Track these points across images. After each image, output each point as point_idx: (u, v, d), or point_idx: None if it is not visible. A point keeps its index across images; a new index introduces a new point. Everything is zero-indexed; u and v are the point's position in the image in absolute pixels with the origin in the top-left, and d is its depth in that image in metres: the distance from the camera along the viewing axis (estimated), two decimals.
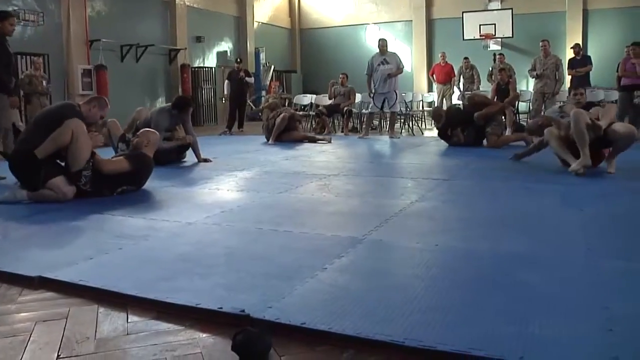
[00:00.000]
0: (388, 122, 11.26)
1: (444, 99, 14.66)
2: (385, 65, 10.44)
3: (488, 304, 2.36)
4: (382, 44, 10.64)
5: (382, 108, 10.77)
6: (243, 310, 2.27)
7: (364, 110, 13.45)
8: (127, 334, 2.20)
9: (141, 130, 5.74)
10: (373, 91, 10.62)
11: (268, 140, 10.05)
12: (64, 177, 4.75)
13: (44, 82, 9.76)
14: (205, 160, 7.25)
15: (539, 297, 2.43)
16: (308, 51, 20.94)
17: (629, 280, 2.65)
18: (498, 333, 2.06)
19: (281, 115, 9.97)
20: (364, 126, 11.53)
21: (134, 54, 14.15)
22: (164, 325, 2.27)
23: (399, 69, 10.64)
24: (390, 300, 2.40)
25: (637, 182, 5.41)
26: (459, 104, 10.16)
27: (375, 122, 13.46)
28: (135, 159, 5.18)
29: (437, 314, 2.26)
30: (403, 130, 11.91)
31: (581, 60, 11.74)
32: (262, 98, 15.34)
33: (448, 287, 2.62)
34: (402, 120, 11.87)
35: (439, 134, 9.37)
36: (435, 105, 14.71)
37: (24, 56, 11.21)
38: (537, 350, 1.93)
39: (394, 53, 10.90)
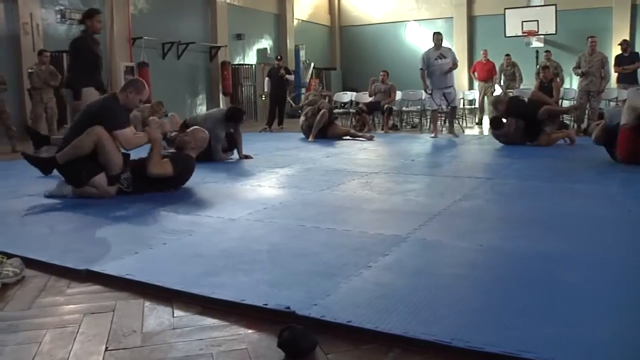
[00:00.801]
0: (448, 120, 10.94)
1: (485, 97, 14.46)
2: (443, 60, 10.07)
3: (534, 305, 2.31)
4: (438, 38, 10.26)
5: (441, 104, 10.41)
6: (288, 307, 2.26)
7: (404, 108, 13.36)
8: (173, 328, 2.21)
9: (191, 129, 5.61)
10: (430, 87, 10.27)
11: (307, 137, 10.05)
12: (103, 176, 4.75)
13: None
14: (246, 157, 7.29)
15: (585, 299, 2.37)
16: (348, 48, 20.91)
17: None
18: (545, 335, 2.01)
19: (321, 112, 9.95)
20: (431, 126, 11.18)
21: (175, 51, 14.32)
22: (209, 321, 2.28)
23: (455, 63, 10.34)
24: (436, 299, 2.38)
25: None
26: (523, 97, 9.92)
27: (416, 120, 13.36)
28: (179, 163, 5.04)
29: (483, 314, 2.23)
30: (444, 129, 11.77)
31: (629, 57, 11.45)
32: (302, 95, 15.35)
33: (493, 287, 2.58)
34: (443, 119, 11.72)
35: (491, 122, 9.26)
36: (477, 103, 14.55)
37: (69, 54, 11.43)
38: (585, 352, 1.89)
39: (449, 48, 10.64)
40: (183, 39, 14.30)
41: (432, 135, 10.57)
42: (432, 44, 10.36)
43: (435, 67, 10.11)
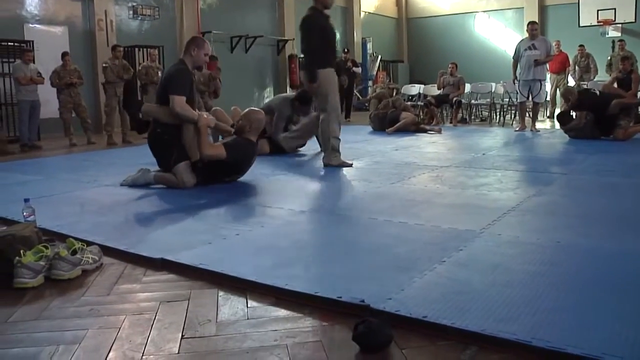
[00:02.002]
0: (531, 114, 10.55)
1: (558, 90, 14.04)
2: (533, 51, 9.71)
3: (616, 307, 2.21)
4: (532, 27, 9.91)
5: (528, 97, 10.06)
6: (363, 301, 2.24)
7: (473, 101, 13.13)
8: (248, 318, 2.23)
9: (245, 111, 5.47)
10: (518, 78, 9.99)
11: (375, 129, 10.01)
12: (188, 163, 4.85)
13: (159, 73, 10.15)
14: None
15: None
16: (415, 41, 20.68)
17: None
18: (631, 338, 1.93)
19: (410, 118, 10.00)
20: (517, 118, 10.94)
21: (243, 44, 14.50)
22: (283, 312, 2.28)
23: (549, 55, 9.95)
24: (513, 297, 2.31)
25: None
26: (595, 90, 9.57)
27: (485, 114, 13.11)
28: (234, 148, 4.99)
29: (563, 314, 2.15)
30: (514, 122, 11.49)
31: None
32: (369, 88, 15.29)
33: (572, 286, 2.49)
34: (514, 112, 11.45)
35: (558, 118, 9.01)
36: (549, 96, 14.14)
37: (140, 48, 11.76)
38: None
39: (545, 38, 10.32)
40: (251, 32, 14.46)
41: (517, 128, 10.28)
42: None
43: (524, 58, 9.80)
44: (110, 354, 1.96)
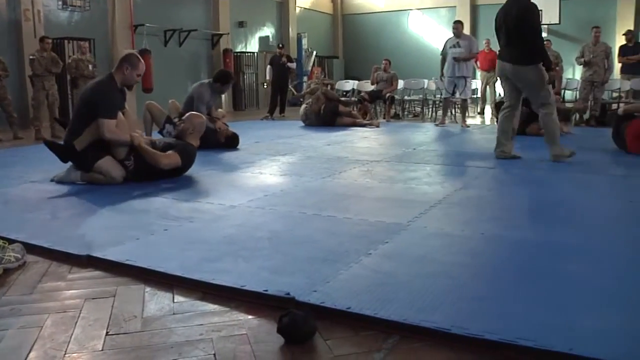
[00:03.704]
0: (460, 110, 10.90)
1: (488, 87, 14.43)
2: (457, 49, 10.07)
3: (535, 294, 2.32)
4: (456, 26, 10.24)
5: (454, 93, 10.42)
6: (288, 293, 2.27)
7: (406, 97, 13.36)
8: (174, 313, 2.22)
9: (186, 115, 5.64)
10: (444, 74, 10.33)
11: (310, 125, 10.15)
12: (111, 158, 4.78)
13: (90, 66, 9.91)
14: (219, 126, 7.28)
15: (586, 288, 2.38)
16: (350, 37, 20.85)
17: None
18: (546, 323, 2.02)
19: (315, 95, 10.23)
20: (440, 113, 11.25)
21: (177, 38, 14.29)
22: (210, 306, 2.29)
23: (471, 53, 10.27)
24: (435, 287, 2.38)
25: None
26: None
27: (418, 109, 13.34)
28: (185, 153, 5.07)
29: (484, 302, 2.23)
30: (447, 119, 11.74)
31: (633, 47, 11.38)
32: (304, 84, 15.33)
33: (494, 276, 2.59)
34: (456, 107, 11.73)
35: (497, 104, 9.45)
36: (479, 92, 14.51)
37: (70, 41, 11.42)
38: (585, 341, 1.89)
39: (470, 36, 10.61)
40: (185, 26, 14.27)
41: (437, 123, 10.65)
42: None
43: (449, 55, 10.16)
44: (31, 353, 1.92)
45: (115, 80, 4.84)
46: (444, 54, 10.31)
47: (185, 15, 14.51)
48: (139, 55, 5.09)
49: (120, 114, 4.85)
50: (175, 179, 4.99)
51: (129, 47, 12.81)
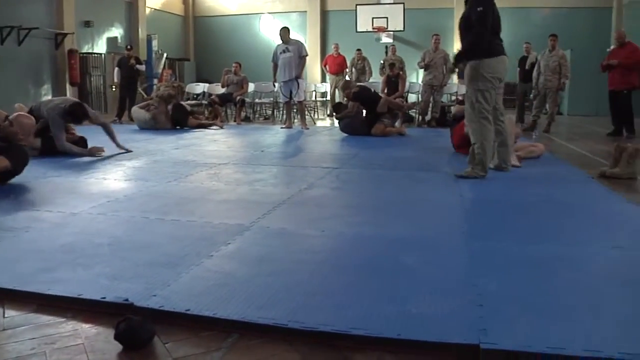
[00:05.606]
0: (299, 113, 11.16)
1: (337, 90, 14.89)
2: (287, 53, 10.38)
3: (370, 286, 2.46)
4: (282, 33, 10.59)
5: (291, 97, 10.68)
6: (127, 300, 2.25)
7: (257, 100, 13.49)
8: (3, 329, 2.12)
9: (13, 116, 5.32)
10: (277, 80, 10.69)
11: (153, 129, 10.17)
12: None
13: None
14: (126, 150, 7.04)
15: (417, 278, 2.56)
16: (202, 39, 20.67)
17: (498, 259, 2.85)
18: (378, 313, 2.16)
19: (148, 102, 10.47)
20: (284, 117, 11.53)
21: (16, 37, 13.38)
22: (44, 318, 2.21)
23: (301, 56, 10.52)
24: (275, 285, 2.46)
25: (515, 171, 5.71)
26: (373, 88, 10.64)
27: (269, 112, 13.52)
28: (16, 156, 4.84)
29: (321, 297, 2.34)
30: (295, 120, 12.01)
31: None
32: (154, 86, 14.98)
33: (333, 271, 2.70)
34: (295, 110, 11.97)
35: (334, 106, 10.33)
36: (328, 95, 14.95)
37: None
38: (413, 326, 2.04)
39: (297, 41, 10.85)
40: (25, 23, 13.37)
41: (283, 126, 10.99)
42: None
43: (280, 60, 10.48)
44: None
45: None
46: (275, 60, 10.61)
47: (26, 12, 13.59)
48: None
49: None
50: (12, 186, 4.73)
51: None
